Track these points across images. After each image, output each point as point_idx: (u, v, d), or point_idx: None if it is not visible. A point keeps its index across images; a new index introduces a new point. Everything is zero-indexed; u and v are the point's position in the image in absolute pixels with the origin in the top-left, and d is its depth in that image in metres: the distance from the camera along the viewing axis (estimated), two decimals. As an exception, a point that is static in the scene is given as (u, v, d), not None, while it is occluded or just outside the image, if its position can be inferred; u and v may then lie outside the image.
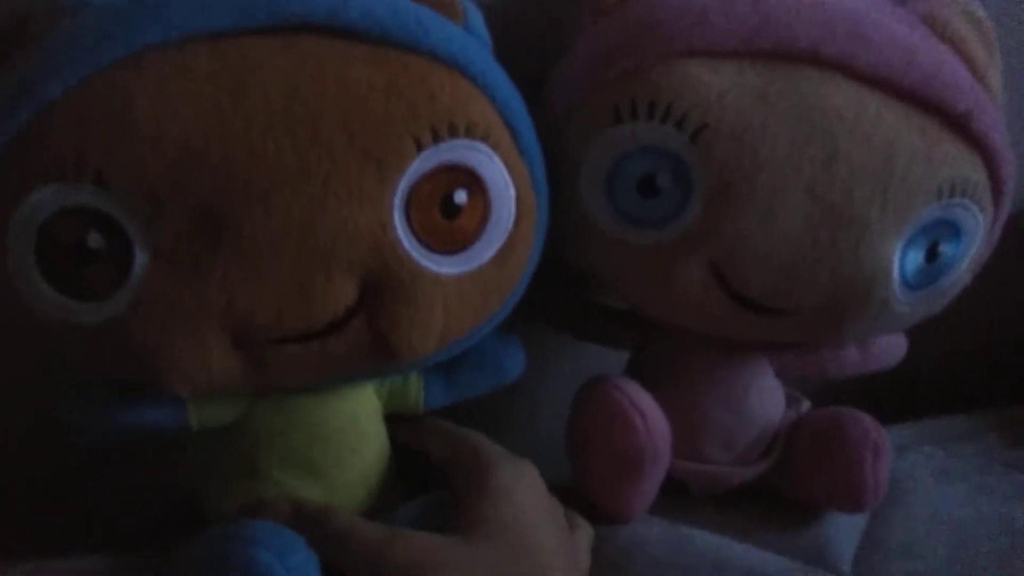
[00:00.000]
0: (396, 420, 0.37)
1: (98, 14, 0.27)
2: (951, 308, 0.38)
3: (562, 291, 0.42)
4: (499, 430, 0.36)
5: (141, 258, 0.27)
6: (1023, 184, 0.53)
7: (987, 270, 0.39)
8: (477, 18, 0.32)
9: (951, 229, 0.35)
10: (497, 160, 0.30)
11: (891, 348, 0.43)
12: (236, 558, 0.28)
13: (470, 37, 0.31)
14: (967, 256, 0.37)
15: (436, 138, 0.28)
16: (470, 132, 0.29)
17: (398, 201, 0.29)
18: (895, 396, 0.50)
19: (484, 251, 0.31)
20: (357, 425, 0.35)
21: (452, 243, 0.30)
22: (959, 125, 0.34)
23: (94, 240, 0.27)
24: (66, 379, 0.32)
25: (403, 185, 0.28)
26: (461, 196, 0.30)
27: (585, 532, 0.36)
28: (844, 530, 0.42)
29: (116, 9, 0.27)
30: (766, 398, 0.42)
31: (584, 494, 0.40)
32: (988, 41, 0.35)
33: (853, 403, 0.42)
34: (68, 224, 0.27)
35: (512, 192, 0.31)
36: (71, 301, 0.28)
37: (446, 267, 0.30)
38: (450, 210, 0.30)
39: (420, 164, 0.28)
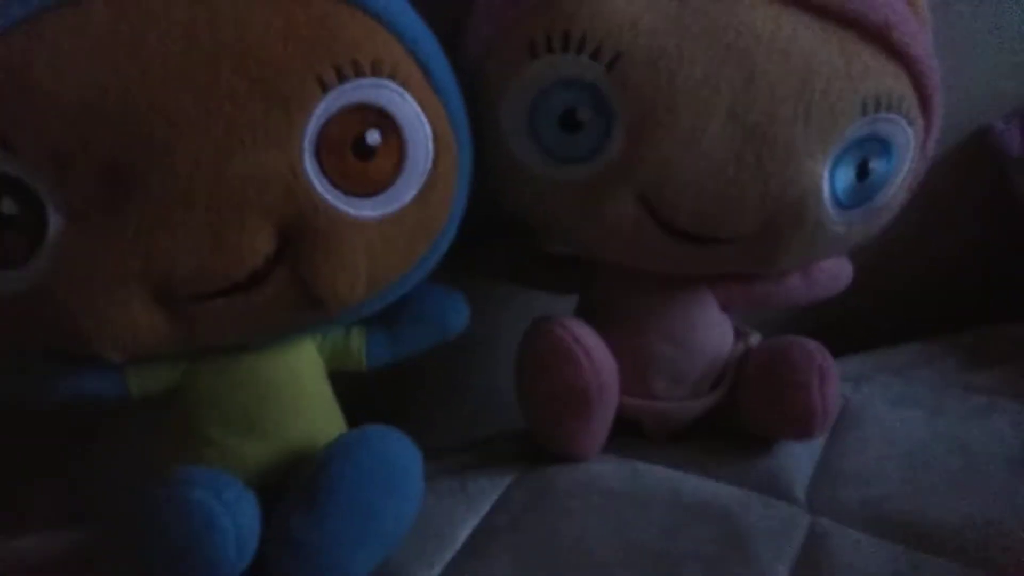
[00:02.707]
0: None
1: None
2: (897, 237, 0.38)
3: (504, 241, 0.42)
4: (456, 392, 0.36)
5: (55, 221, 0.27)
6: (971, 113, 0.54)
7: (931, 203, 0.39)
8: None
9: (880, 145, 0.35)
10: (409, 98, 0.30)
11: (835, 274, 0.43)
12: (173, 499, 0.29)
13: (373, -25, 0.30)
14: (900, 172, 0.37)
15: (341, 77, 0.28)
16: (376, 70, 0.29)
17: (307, 144, 0.28)
18: (850, 331, 0.50)
19: (404, 192, 0.31)
20: (299, 383, 0.35)
21: (369, 185, 0.30)
22: (879, 37, 0.33)
23: (7, 206, 0.27)
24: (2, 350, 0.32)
25: (311, 127, 0.28)
26: (374, 136, 0.29)
27: None
28: (798, 459, 0.42)
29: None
30: (713, 332, 0.42)
31: (534, 433, 0.40)
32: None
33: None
34: None
35: (428, 130, 0.31)
36: None
37: (365, 210, 0.30)
38: (363, 151, 0.29)
39: (327, 105, 0.28)
